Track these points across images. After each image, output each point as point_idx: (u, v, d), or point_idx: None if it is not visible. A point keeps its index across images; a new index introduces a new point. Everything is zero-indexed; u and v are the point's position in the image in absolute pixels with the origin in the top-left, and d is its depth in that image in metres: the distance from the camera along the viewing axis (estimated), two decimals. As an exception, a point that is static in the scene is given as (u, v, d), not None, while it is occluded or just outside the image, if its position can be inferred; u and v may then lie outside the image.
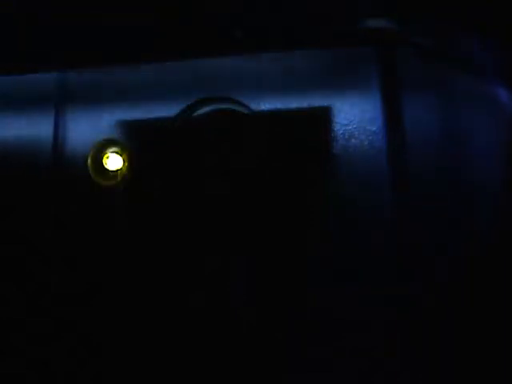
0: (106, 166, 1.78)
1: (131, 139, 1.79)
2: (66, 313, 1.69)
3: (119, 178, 1.77)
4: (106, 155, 1.78)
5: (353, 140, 1.71)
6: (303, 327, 1.62)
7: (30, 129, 1.81)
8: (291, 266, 1.67)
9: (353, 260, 1.65)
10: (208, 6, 1.56)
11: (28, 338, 1.67)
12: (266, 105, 1.75)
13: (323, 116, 1.74)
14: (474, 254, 1.58)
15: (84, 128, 1.81)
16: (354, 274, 1.65)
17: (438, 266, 1.59)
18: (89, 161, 1.78)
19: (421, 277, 1.59)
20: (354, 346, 1.59)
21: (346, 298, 1.63)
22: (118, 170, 1.78)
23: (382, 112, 1.72)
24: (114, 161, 1.78)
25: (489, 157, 1.63)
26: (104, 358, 1.66)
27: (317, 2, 1.51)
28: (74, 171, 1.79)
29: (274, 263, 1.67)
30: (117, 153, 1.78)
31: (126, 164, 1.77)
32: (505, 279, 1.54)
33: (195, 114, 1.78)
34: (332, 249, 1.67)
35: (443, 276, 1.58)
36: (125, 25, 1.64)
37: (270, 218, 1.70)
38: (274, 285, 1.66)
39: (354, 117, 1.73)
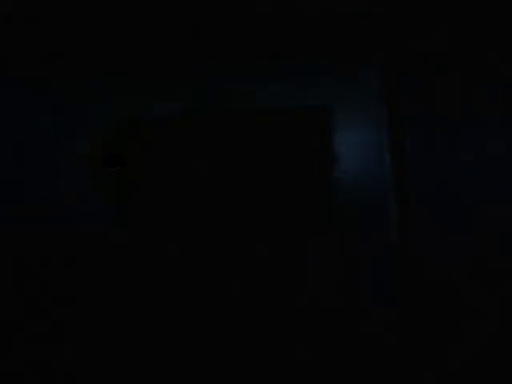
0: (106, 166, 1.78)
1: (132, 137, 1.79)
2: (66, 313, 1.69)
3: (119, 178, 1.77)
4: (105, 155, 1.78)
5: (353, 140, 1.72)
6: (302, 325, 1.63)
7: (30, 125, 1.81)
8: (291, 265, 1.68)
9: (353, 258, 1.66)
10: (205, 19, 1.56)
11: (28, 338, 1.67)
12: (265, 104, 1.76)
13: (323, 116, 1.74)
14: (474, 256, 1.59)
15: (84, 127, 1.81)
16: (354, 273, 1.65)
17: (439, 270, 1.60)
18: (89, 160, 1.78)
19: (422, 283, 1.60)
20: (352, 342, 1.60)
21: (346, 297, 1.64)
22: (117, 169, 1.78)
23: (383, 112, 1.72)
24: (114, 161, 1.78)
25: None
26: (104, 357, 1.67)
27: (318, 4, 1.51)
28: (73, 170, 1.79)
29: (274, 262, 1.68)
30: (117, 152, 1.78)
31: (127, 164, 1.77)
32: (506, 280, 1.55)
33: (195, 113, 1.78)
34: (332, 248, 1.67)
35: (444, 278, 1.59)
36: (126, 26, 1.64)
37: (269, 217, 1.71)
38: (273, 285, 1.67)
39: (355, 117, 1.73)
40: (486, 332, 1.52)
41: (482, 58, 1.64)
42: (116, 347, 1.67)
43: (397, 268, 1.64)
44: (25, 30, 1.59)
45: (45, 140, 1.80)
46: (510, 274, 1.55)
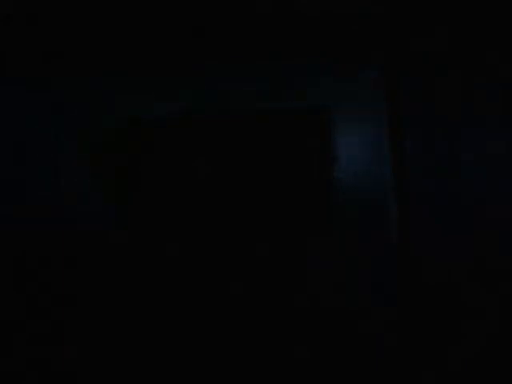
0: (106, 166, 1.78)
1: (131, 137, 1.79)
2: (66, 313, 1.69)
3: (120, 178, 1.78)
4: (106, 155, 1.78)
5: (353, 140, 1.72)
6: (302, 325, 1.63)
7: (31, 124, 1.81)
8: (291, 265, 1.67)
9: (353, 258, 1.66)
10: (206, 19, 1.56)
11: (28, 338, 1.67)
12: (265, 104, 1.76)
13: (323, 116, 1.74)
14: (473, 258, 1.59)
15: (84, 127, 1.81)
16: (354, 273, 1.65)
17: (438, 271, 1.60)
18: (89, 160, 1.78)
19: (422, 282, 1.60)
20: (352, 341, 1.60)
21: (346, 294, 1.64)
22: (118, 169, 1.78)
23: (383, 112, 1.72)
24: (113, 161, 1.78)
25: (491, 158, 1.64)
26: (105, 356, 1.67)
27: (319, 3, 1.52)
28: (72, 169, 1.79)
29: (274, 262, 1.68)
30: (117, 152, 1.78)
31: (128, 164, 1.77)
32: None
33: (195, 113, 1.78)
34: (332, 248, 1.67)
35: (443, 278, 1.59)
36: (125, 27, 1.64)
37: (269, 217, 1.70)
38: (273, 285, 1.67)
39: (355, 117, 1.73)
40: (486, 332, 1.52)
41: (482, 58, 1.64)
42: (116, 347, 1.67)
43: (397, 268, 1.64)
44: (25, 30, 1.59)
45: (45, 140, 1.80)
46: (510, 273, 1.55)
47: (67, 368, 1.66)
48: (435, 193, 1.64)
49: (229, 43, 1.72)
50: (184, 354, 1.64)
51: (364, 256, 1.66)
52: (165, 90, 1.80)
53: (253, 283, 1.67)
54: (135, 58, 1.80)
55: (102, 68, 1.82)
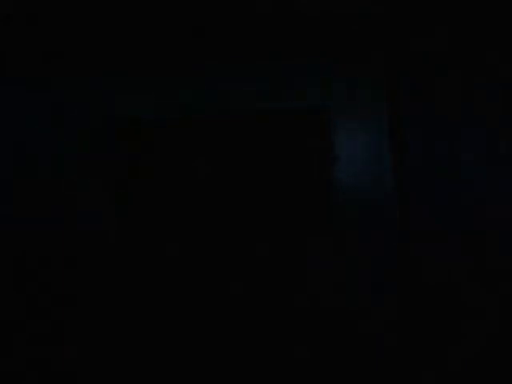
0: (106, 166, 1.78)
1: (131, 137, 1.79)
2: (66, 313, 1.69)
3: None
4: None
5: (353, 140, 1.72)
6: (302, 325, 1.63)
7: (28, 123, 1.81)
8: (291, 265, 1.68)
9: (353, 258, 1.66)
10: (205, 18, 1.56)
11: (28, 338, 1.67)
12: (265, 104, 1.76)
13: (323, 116, 1.74)
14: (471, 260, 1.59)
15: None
16: (354, 273, 1.65)
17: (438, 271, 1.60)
18: (89, 160, 1.78)
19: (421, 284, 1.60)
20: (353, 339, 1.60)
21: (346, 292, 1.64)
22: (118, 170, 1.78)
23: (383, 112, 1.72)
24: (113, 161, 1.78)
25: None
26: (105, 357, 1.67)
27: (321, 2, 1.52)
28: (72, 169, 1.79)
29: (274, 262, 1.68)
30: (117, 152, 1.78)
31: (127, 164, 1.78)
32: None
33: (195, 113, 1.78)
34: (332, 248, 1.67)
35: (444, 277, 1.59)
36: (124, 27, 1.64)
37: (269, 217, 1.71)
38: (273, 285, 1.67)
39: (355, 117, 1.73)
40: (486, 332, 1.52)
41: (482, 58, 1.64)
42: (116, 347, 1.67)
43: (397, 268, 1.64)
44: (25, 30, 1.59)
45: (45, 140, 1.80)
46: (510, 273, 1.55)
47: (67, 368, 1.66)
48: (435, 193, 1.64)
49: (229, 43, 1.72)
50: (184, 354, 1.64)
51: (364, 256, 1.66)
52: (165, 90, 1.80)
53: (253, 283, 1.67)
54: (135, 58, 1.80)
55: (101, 68, 1.82)
